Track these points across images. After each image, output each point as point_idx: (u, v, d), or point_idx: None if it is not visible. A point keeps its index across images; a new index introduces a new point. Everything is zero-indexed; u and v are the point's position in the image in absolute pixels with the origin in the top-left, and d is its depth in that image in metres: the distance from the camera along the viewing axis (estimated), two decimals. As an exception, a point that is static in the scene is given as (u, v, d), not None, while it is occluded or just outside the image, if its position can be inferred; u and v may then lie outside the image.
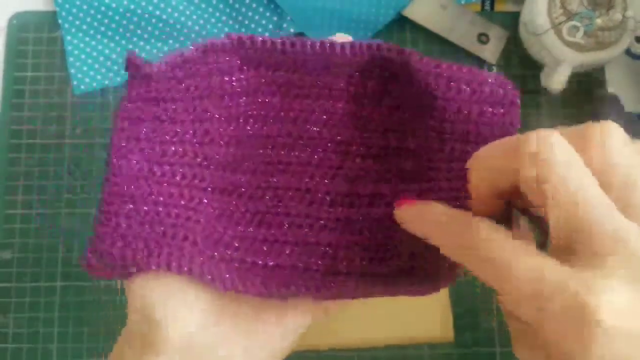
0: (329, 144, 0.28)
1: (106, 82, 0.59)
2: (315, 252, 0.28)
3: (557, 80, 0.56)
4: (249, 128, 0.28)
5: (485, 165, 0.23)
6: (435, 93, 0.25)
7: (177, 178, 0.26)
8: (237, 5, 0.61)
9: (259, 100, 0.28)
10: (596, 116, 0.58)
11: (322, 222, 0.28)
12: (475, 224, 0.22)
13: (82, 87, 0.59)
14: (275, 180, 0.28)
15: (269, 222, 0.28)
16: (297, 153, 0.28)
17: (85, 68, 0.59)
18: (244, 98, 0.27)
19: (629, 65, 0.62)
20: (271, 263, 0.27)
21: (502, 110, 0.26)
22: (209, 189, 0.27)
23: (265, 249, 0.28)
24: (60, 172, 0.57)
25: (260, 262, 0.27)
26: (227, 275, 0.26)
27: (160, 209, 0.25)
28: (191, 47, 0.25)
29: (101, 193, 0.25)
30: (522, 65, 0.61)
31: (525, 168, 0.21)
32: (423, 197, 0.26)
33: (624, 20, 0.55)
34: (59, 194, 0.57)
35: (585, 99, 0.61)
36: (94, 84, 0.59)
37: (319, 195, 0.28)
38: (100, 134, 0.59)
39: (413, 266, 0.27)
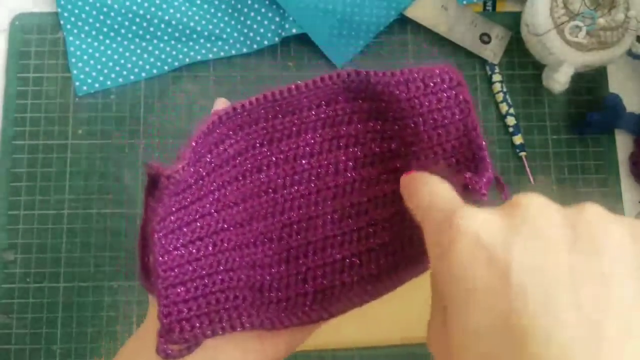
0: (320, 170, 0.32)
1: (108, 82, 0.59)
2: (345, 266, 0.31)
3: (559, 80, 0.56)
4: (249, 181, 0.31)
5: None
6: (399, 96, 0.30)
7: (210, 248, 0.29)
8: (239, 6, 0.61)
9: (250, 154, 0.31)
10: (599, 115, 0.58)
11: (339, 238, 0.32)
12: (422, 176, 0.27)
13: (85, 88, 0.59)
14: (286, 217, 0.32)
15: (296, 256, 0.31)
16: (296, 188, 0.32)
17: (87, 69, 0.59)
18: (238, 158, 0.31)
19: (631, 66, 0.62)
20: (311, 289, 0.31)
21: (454, 92, 0.30)
22: (237, 246, 0.30)
23: (300, 278, 0.31)
24: (63, 172, 0.58)
25: (301, 291, 0.31)
26: (275, 316, 0.29)
27: (206, 280, 0.28)
28: (194, 135, 0.28)
29: (156, 289, 0.27)
30: (524, 65, 0.61)
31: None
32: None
33: (626, 20, 0.55)
34: (61, 195, 0.57)
35: (587, 99, 0.61)
36: (96, 85, 0.59)
37: (329, 216, 0.32)
38: (103, 135, 0.59)
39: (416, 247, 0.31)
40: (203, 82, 0.60)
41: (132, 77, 0.60)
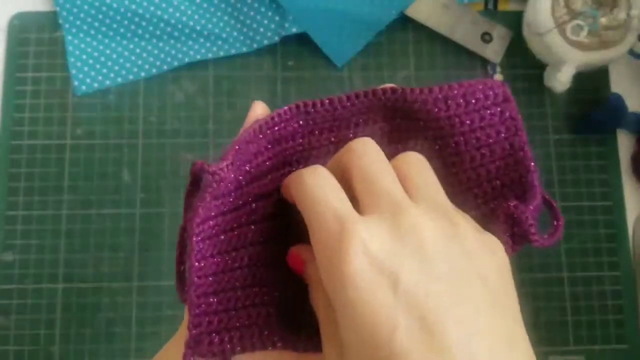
0: None
1: (107, 82, 0.59)
2: None
3: (560, 79, 0.56)
4: (284, 198, 0.30)
5: None
6: (438, 114, 0.28)
7: (246, 260, 0.28)
8: (239, 5, 0.60)
9: (287, 170, 0.30)
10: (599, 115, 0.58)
11: None
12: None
13: (83, 87, 0.59)
14: None
15: None
16: None
17: (86, 68, 0.59)
18: (276, 173, 0.29)
19: (633, 65, 0.62)
20: None
21: (499, 109, 0.28)
22: (270, 262, 0.29)
23: None
24: (62, 172, 0.57)
25: None
26: (308, 339, 0.27)
27: (239, 293, 0.27)
28: (237, 139, 0.27)
29: (188, 295, 0.26)
30: (526, 64, 0.61)
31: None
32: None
33: (628, 19, 0.55)
34: (60, 195, 0.57)
35: (589, 99, 0.61)
36: (95, 85, 0.59)
37: None
38: (102, 135, 0.58)
39: None
40: (203, 81, 0.60)
41: (131, 76, 0.59)
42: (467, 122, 0.28)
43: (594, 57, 0.55)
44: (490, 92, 0.28)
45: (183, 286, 0.27)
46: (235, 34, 0.60)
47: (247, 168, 0.28)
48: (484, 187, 0.28)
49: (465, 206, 0.27)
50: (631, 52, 0.57)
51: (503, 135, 0.28)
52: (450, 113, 0.28)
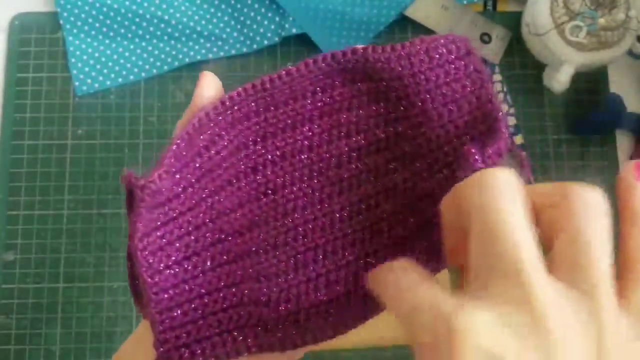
0: (321, 164, 0.29)
1: (108, 82, 0.59)
2: (360, 268, 0.28)
3: (559, 80, 0.56)
4: (244, 184, 0.28)
5: (449, 204, 0.24)
6: (402, 73, 0.27)
7: (208, 263, 0.26)
8: (239, 6, 0.60)
9: (243, 154, 0.28)
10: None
11: (350, 237, 0.28)
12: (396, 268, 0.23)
13: (84, 88, 0.59)
14: (289, 220, 0.28)
15: (305, 262, 0.28)
16: (297, 186, 0.29)
17: (86, 69, 0.59)
18: (231, 160, 0.28)
19: (632, 66, 0.62)
20: (324, 299, 0.28)
21: (463, 63, 0.27)
22: (237, 258, 0.27)
23: (311, 287, 0.28)
24: (63, 172, 0.58)
25: (315, 301, 0.28)
26: (287, 335, 0.26)
27: (206, 300, 0.26)
28: (176, 137, 0.25)
29: (149, 314, 0.25)
30: (525, 65, 0.61)
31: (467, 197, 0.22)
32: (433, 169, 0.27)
33: (626, 20, 0.55)
34: (61, 195, 0.57)
35: (588, 99, 0.61)
36: (96, 85, 0.59)
37: (336, 214, 0.28)
38: (103, 135, 0.59)
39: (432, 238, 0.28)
40: (203, 82, 0.60)
41: (131, 77, 0.60)
42: (432, 78, 0.27)
43: (593, 58, 0.55)
44: (453, 46, 0.27)
45: (141, 300, 0.26)
46: (235, 34, 0.60)
47: (196, 164, 0.26)
48: (453, 144, 0.27)
49: (437, 165, 0.26)
50: (630, 53, 0.58)
51: (469, 89, 0.27)
52: (415, 70, 0.27)
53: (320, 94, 0.28)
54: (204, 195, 0.26)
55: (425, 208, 0.26)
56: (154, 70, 0.60)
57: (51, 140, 0.58)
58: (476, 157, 0.24)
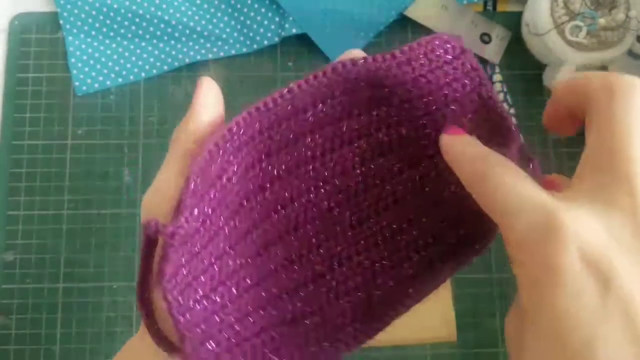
0: (326, 173, 0.29)
1: (108, 82, 0.59)
2: (376, 272, 0.29)
3: (559, 80, 0.56)
4: (255, 204, 0.28)
5: (569, 90, 0.25)
6: (404, 78, 0.27)
7: (234, 290, 0.26)
8: (239, 6, 0.60)
9: (251, 174, 0.28)
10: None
11: (362, 243, 0.29)
12: (488, 154, 0.24)
13: (84, 88, 0.59)
14: (302, 232, 0.29)
15: (322, 272, 0.28)
16: (305, 198, 0.29)
17: (86, 69, 0.59)
18: (241, 183, 0.27)
19: (632, 66, 0.62)
20: (348, 305, 0.28)
21: (460, 62, 0.27)
22: (260, 280, 0.27)
23: (332, 296, 0.28)
24: (62, 173, 0.58)
25: (337, 310, 0.28)
26: (318, 348, 0.27)
27: (237, 327, 0.26)
28: (192, 174, 0.25)
29: (184, 353, 0.24)
30: (525, 65, 0.61)
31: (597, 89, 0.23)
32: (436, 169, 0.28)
33: (626, 20, 0.55)
34: (61, 195, 0.57)
35: (588, 99, 0.61)
36: (96, 85, 0.59)
37: (347, 221, 0.29)
38: (103, 135, 0.59)
39: (460, 232, 0.28)
40: (203, 82, 0.60)
41: (131, 77, 0.60)
42: (433, 80, 0.27)
43: (593, 58, 0.55)
44: (448, 46, 0.27)
45: (165, 342, 0.25)
46: (235, 34, 0.60)
47: (210, 196, 0.26)
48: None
49: (443, 164, 0.27)
50: (630, 53, 0.58)
51: (468, 87, 0.27)
52: (416, 74, 0.27)
53: (320, 105, 0.28)
54: (220, 224, 0.26)
55: (436, 207, 0.26)
56: (154, 70, 0.60)
57: (51, 140, 0.58)
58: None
